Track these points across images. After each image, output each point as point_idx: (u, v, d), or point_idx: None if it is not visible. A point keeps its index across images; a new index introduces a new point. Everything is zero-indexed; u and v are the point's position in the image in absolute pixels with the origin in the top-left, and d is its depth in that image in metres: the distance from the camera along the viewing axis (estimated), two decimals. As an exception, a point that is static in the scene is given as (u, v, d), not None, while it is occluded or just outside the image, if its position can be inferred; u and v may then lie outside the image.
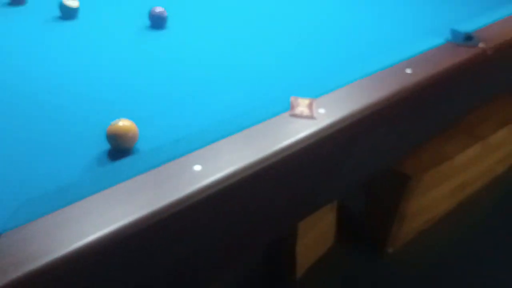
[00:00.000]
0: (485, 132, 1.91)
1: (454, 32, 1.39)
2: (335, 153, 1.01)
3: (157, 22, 1.46)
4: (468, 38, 1.37)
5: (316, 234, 1.71)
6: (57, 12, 1.50)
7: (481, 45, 1.34)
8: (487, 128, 1.92)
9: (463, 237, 1.91)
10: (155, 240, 0.77)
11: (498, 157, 2.05)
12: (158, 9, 1.46)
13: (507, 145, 2.06)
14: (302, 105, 1.00)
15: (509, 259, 1.83)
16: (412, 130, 1.24)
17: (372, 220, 1.82)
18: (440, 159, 1.73)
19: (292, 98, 1.02)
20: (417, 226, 1.84)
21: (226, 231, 0.89)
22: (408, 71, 1.17)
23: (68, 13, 1.49)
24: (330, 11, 1.69)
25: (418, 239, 1.88)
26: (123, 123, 0.91)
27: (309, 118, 0.97)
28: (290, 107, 0.99)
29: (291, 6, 1.75)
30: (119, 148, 0.91)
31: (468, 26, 1.42)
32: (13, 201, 0.76)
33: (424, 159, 1.71)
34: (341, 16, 1.66)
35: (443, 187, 1.80)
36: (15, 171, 0.86)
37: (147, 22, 1.48)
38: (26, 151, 0.92)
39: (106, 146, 0.92)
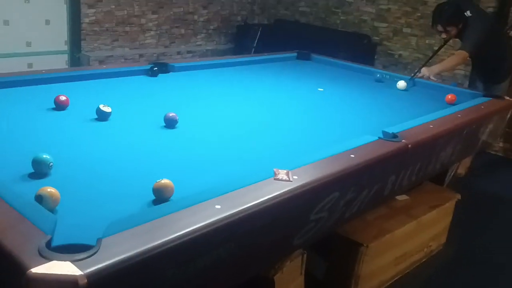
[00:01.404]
0: (419, 212, 2.42)
1: (385, 132, 1.97)
2: (304, 205, 1.49)
3: (170, 123, 1.97)
4: (394, 136, 1.94)
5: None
6: (93, 115, 1.98)
7: (403, 141, 1.91)
8: (421, 210, 2.44)
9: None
10: (188, 251, 1.18)
11: (431, 234, 2.55)
12: (171, 114, 1.98)
13: (437, 224, 2.58)
14: (282, 173, 1.50)
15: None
16: (356, 198, 1.73)
17: (333, 284, 2.23)
18: (383, 232, 2.21)
19: (275, 169, 1.51)
20: (370, 289, 2.26)
21: (232, 252, 1.31)
22: (352, 156, 1.71)
23: (102, 116, 1.98)
24: (300, 117, 2.33)
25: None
26: (164, 181, 1.38)
27: (287, 181, 1.46)
28: (274, 174, 1.49)
29: (274, 110, 2.40)
30: (161, 197, 1.36)
31: (394, 129, 2.01)
32: (105, 221, 1.18)
33: (371, 232, 2.18)
34: (308, 120, 2.30)
35: (388, 255, 2.26)
36: (104, 207, 1.32)
37: (162, 123, 1.98)
38: (109, 198, 1.38)
39: (151, 197, 1.38)
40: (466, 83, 4.33)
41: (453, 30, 3.41)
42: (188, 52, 5.27)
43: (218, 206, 1.28)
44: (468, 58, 3.44)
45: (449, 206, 2.61)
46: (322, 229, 1.62)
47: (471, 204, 3.18)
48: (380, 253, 2.20)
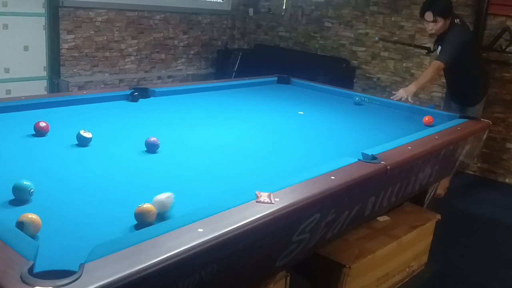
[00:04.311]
0: (399, 233, 2.44)
1: (364, 154, 2.00)
2: (286, 227, 1.51)
3: (152, 148, 1.98)
4: (374, 158, 1.98)
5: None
6: (74, 141, 1.98)
7: (382, 163, 1.94)
8: (401, 230, 2.47)
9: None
10: (170, 274, 1.17)
11: (412, 255, 2.58)
12: (153, 139, 1.99)
13: (418, 244, 2.61)
14: (264, 196, 1.51)
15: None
16: (337, 219, 1.75)
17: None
18: (365, 253, 2.22)
19: (257, 192, 1.53)
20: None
21: (215, 274, 1.31)
22: (333, 177, 1.73)
23: (83, 142, 1.97)
24: (281, 140, 2.36)
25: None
26: (146, 205, 1.38)
27: (269, 203, 1.48)
28: (256, 197, 1.50)
29: (255, 134, 2.43)
30: (143, 222, 1.36)
31: (373, 150, 2.04)
32: (87, 246, 1.18)
33: (353, 253, 2.20)
34: (289, 143, 2.32)
35: (370, 276, 2.27)
36: (87, 233, 1.32)
37: (143, 148, 1.99)
38: (91, 223, 1.38)
39: (134, 221, 1.37)
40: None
41: (440, 23, 3.48)
42: (169, 76, 5.31)
43: (200, 230, 1.28)
44: (442, 68, 3.49)
45: (430, 226, 2.65)
46: (304, 250, 1.63)
47: (450, 224, 3.23)
48: (363, 273, 2.21)
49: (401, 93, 3.33)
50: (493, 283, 2.81)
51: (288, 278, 1.94)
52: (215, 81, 3.75)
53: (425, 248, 2.71)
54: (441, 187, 3.85)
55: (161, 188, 1.64)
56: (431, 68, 3.50)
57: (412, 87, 3.39)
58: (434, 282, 2.69)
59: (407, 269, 2.57)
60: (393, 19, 4.95)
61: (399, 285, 2.55)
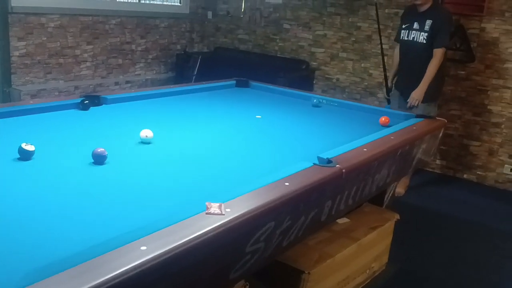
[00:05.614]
0: (359, 235, 2.43)
1: (319, 158, 1.98)
2: (239, 238, 1.46)
3: (99, 159, 1.89)
4: (329, 161, 1.95)
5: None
6: (16, 155, 1.88)
7: (338, 166, 1.91)
8: (361, 232, 2.46)
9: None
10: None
11: (372, 255, 2.57)
12: (99, 149, 1.90)
13: (378, 245, 2.61)
14: (214, 207, 1.46)
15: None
16: (293, 226, 1.71)
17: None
18: (325, 257, 2.20)
19: (207, 203, 1.47)
20: (315, 317, 2.23)
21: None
22: (287, 184, 1.69)
23: (25, 155, 1.87)
24: (236, 146, 2.31)
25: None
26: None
27: (220, 215, 1.42)
28: (206, 208, 1.44)
29: (210, 140, 2.37)
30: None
31: (329, 154, 2.02)
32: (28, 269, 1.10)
33: (313, 257, 2.17)
34: (245, 149, 2.26)
35: (330, 280, 2.25)
36: (28, 254, 1.24)
37: (90, 159, 1.90)
38: (33, 244, 1.29)
39: (79, 240, 1.30)
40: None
41: None
42: (127, 82, 5.19)
43: (143, 248, 1.22)
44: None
45: (389, 226, 2.65)
46: (259, 260, 1.59)
47: (410, 222, 3.25)
48: (323, 278, 2.18)
49: (413, 97, 3.37)
50: (454, 279, 2.84)
51: (247, 287, 1.90)
52: (171, 86, 3.68)
53: (385, 248, 2.71)
54: (401, 186, 3.88)
55: (107, 202, 1.57)
56: (436, 58, 3.49)
57: (423, 87, 3.44)
58: (396, 282, 2.69)
59: (367, 271, 2.57)
60: (350, 19, 4.98)
61: (360, 287, 2.53)
